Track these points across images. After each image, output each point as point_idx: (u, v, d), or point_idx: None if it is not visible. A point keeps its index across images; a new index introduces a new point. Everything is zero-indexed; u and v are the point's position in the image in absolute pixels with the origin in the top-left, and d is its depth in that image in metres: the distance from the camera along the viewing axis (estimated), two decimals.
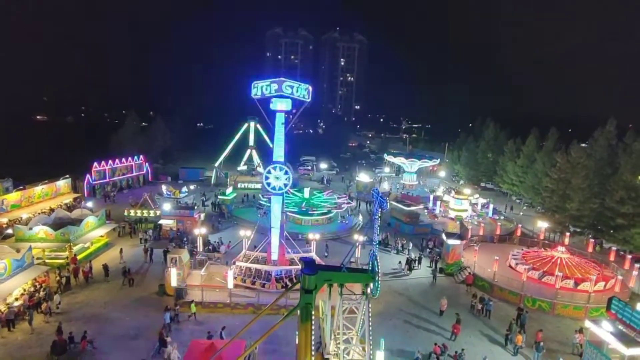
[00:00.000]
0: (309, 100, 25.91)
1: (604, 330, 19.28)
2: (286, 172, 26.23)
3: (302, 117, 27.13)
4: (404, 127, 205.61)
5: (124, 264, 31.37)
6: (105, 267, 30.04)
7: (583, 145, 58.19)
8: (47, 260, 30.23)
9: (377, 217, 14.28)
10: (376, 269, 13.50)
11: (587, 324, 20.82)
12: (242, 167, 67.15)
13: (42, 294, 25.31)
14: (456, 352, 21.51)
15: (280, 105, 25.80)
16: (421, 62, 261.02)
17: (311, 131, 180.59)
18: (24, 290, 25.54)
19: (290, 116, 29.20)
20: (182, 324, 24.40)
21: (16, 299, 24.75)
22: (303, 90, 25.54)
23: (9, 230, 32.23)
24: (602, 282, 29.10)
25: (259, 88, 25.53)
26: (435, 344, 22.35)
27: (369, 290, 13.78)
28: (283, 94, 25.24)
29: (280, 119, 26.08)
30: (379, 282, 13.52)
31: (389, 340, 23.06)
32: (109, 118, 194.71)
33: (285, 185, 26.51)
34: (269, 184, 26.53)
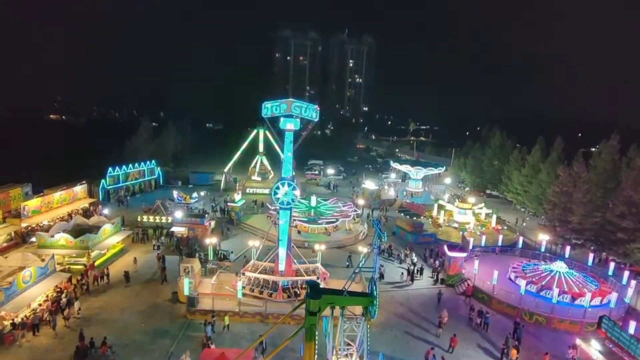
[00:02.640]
0: (316, 120, 27.19)
1: (592, 349, 20.26)
2: (294, 188, 27.54)
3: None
4: (411, 129, 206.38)
5: (138, 272, 33.04)
6: (126, 274, 31.72)
7: (594, 149, 58.36)
8: (71, 267, 32.01)
9: (376, 246, 15.53)
10: (375, 293, 14.74)
11: (578, 341, 21.80)
12: (255, 177, 68.01)
13: (64, 300, 26.96)
14: None
15: (289, 125, 27.08)
16: (430, 64, 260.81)
17: (319, 132, 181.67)
18: (47, 296, 27.21)
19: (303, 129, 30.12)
20: (195, 331, 25.87)
21: (39, 305, 26.45)
22: (311, 111, 26.82)
23: (33, 239, 34.00)
24: (599, 297, 29.94)
25: (269, 108, 26.88)
26: (432, 348, 23.72)
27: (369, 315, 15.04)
28: (292, 114, 26.57)
29: (289, 137, 27.38)
30: (377, 306, 14.76)
31: (390, 351, 24.35)
32: (120, 118, 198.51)
33: (293, 200, 27.83)
34: (277, 199, 27.88)
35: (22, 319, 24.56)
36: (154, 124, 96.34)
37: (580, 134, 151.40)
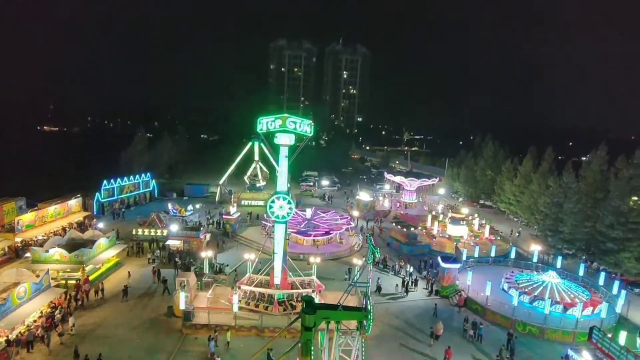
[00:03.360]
0: (311, 134, 27.69)
1: (584, 359, 20.63)
2: (289, 202, 27.89)
3: None
4: (405, 138, 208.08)
5: (132, 286, 32.87)
6: (125, 289, 31.61)
7: (584, 158, 59.34)
8: (67, 282, 31.92)
9: (369, 262, 15.87)
10: (369, 307, 15.04)
11: (569, 352, 22.17)
12: (247, 177, 68.30)
13: (58, 316, 26.87)
14: None
15: (284, 140, 27.54)
16: (423, 74, 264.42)
17: (313, 143, 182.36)
18: (41, 312, 27.09)
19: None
20: (190, 346, 25.88)
21: (34, 321, 26.33)
22: (305, 126, 27.34)
23: (27, 254, 33.90)
24: (590, 307, 30.40)
25: (265, 124, 27.32)
26: None
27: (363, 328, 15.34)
28: (287, 129, 27.05)
29: (283, 152, 27.82)
30: (372, 321, 15.05)
31: None
32: (115, 129, 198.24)
33: (288, 214, 28.13)
34: (272, 213, 28.17)
35: (17, 335, 24.43)
36: (148, 134, 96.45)
37: (570, 143, 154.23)
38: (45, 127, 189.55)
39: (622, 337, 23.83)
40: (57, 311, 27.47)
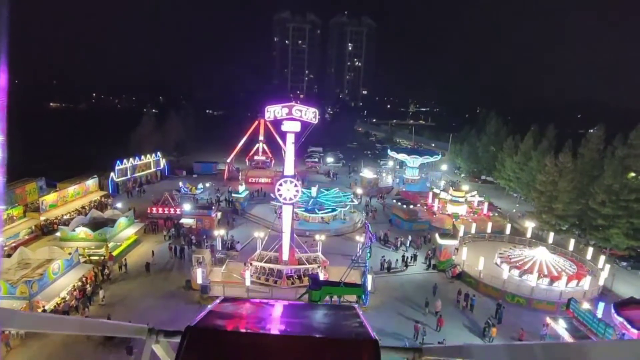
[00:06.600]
0: (315, 122, 29.43)
1: (559, 326, 23.13)
2: (295, 185, 29.99)
3: (310, 104, 30.30)
4: (411, 111, 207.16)
5: (153, 261, 35.75)
6: (147, 265, 34.48)
7: (591, 131, 59.98)
8: (93, 258, 34.80)
9: (367, 246, 18.04)
10: (366, 284, 17.35)
11: (548, 320, 24.69)
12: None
13: (89, 289, 29.82)
14: (438, 342, 25.59)
15: (291, 127, 29.35)
16: (430, 45, 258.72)
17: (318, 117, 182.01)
18: (74, 286, 30.02)
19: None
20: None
21: (67, 294, 29.28)
22: (311, 114, 29.08)
23: (58, 233, 36.76)
24: (575, 280, 32.79)
25: (272, 112, 29.10)
26: (416, 322, 26.86)
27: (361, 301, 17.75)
28: (293, 116, 28.82)
29: (290, 139, 29.66)
30: (368, 295, 17.41)
31: (384, 330, 27.25)
32: (120, 104, 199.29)
33: (295, 196, 30.30)
34: (280, 195, 30.36)
35: (54, 306, 27.39)
36: (154, 110, 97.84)
37: (579, 115, 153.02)
38: (51, 104, 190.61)
39: (600, 307, 26.28)
40: (88, 285, 30.40)
